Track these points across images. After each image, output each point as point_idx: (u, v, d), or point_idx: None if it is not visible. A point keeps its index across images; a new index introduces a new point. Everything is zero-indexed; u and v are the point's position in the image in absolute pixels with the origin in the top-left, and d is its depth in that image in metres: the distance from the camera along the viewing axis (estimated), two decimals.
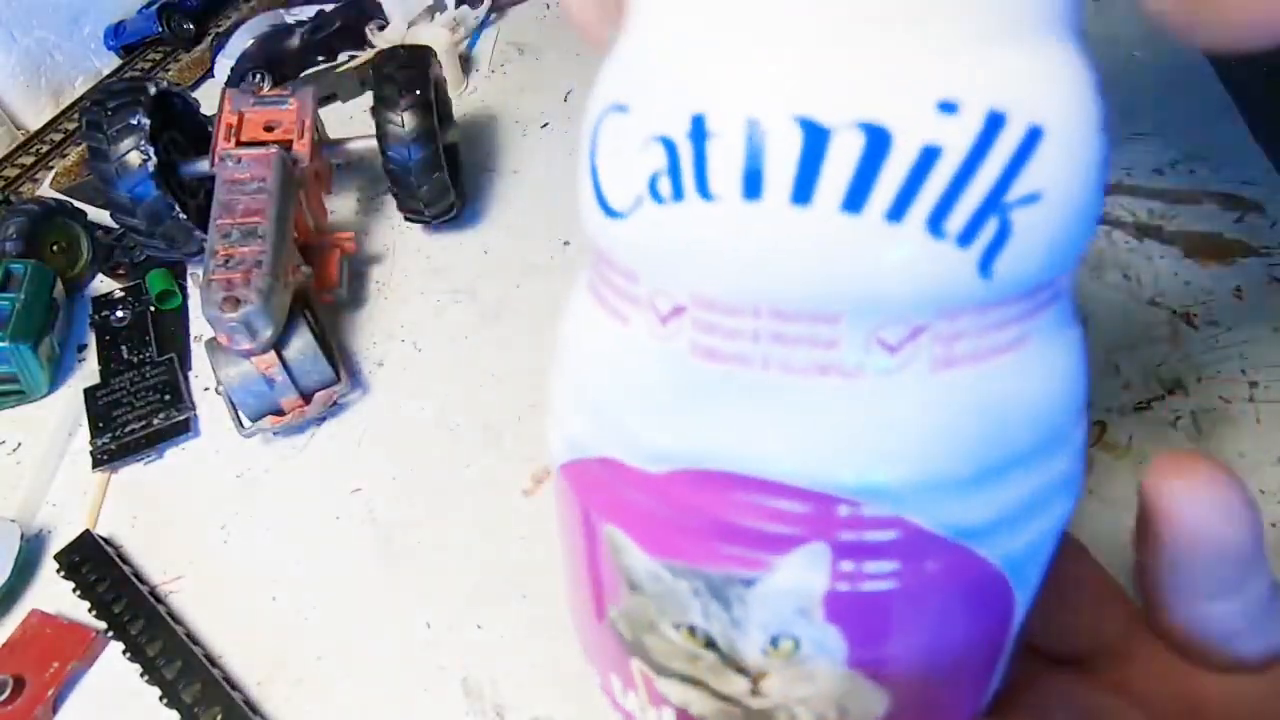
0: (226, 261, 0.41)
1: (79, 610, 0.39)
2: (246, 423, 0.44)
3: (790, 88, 0.11)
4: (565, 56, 0.69)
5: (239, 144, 0.47)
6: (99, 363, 0.51)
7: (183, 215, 0.48)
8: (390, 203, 0.54)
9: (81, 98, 0.76)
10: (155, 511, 0.44)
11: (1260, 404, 0.40)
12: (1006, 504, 0.13)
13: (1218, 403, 0.40)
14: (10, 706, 0.36)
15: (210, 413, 0.48)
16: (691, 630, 0.15)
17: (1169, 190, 0.48)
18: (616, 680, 0.18)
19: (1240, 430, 0.39)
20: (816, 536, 0.13)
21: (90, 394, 0.48)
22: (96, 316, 0.53)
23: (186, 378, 0.50)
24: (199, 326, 0.52)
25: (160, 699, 0.36)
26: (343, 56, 0.70)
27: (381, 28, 0.69)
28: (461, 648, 0.37)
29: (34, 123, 0.74)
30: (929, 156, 0.11)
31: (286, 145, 0.47)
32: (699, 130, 0.11)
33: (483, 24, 0.73)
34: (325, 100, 0.66)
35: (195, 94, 0.60)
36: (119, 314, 0.53)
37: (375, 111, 0.48)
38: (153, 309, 0.53)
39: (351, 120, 0.66)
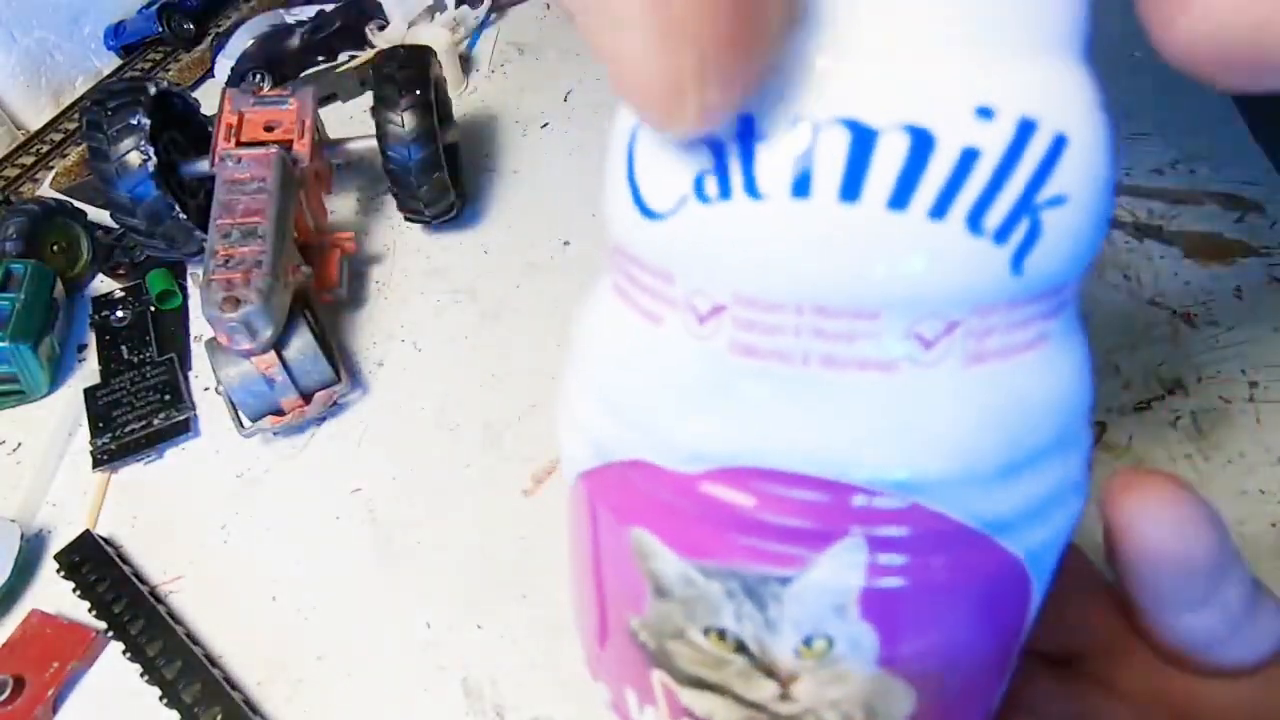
0: (226, 261, 0.41)
1: (79, 610, 0.39)
2: (246, 423, 0.44)
3: (836, 92, 0.11)
4: (565, 56, 0.69)
5: (239, 144, 0.47)
6: (99, 363, 0.51)
7: (183, 215, 0.48)
8: (390, 203, 0.54)
9: (81, 98, 0.76)
10: (155, 511, 0.44)
11: (1260, 404, 0.40)
12: (1030, 498, 0.14)
13: (1218, 403, 0.40)
14: (10, 706, 0.36)
15: (210, 413, 0.48)
16: (721, 634, 0.15)
17: (1169, 190, 0.48)
18: (633, 695, 0.18)
19: (1240, 430, 0.39)
20: (854, 531, 0.13)
21: (90, 394, 0.48)
22: (96, 316, 0.53)
23: (186, 378, 0.50)
24: (199, 326, 0.52)
25: (160, 699, 0.36)
26: (343, 56, 0.70)
27: (381, 28, 0.69)
28: (461, 648, 0.37)
29: (34, 123, 0.74)
30: (969, 158, 0.11)
31: (286, 145, 0.47)
32: (748, 131, 0.11)
33: (483, 24, 0.73)
34: (325, 100, 0.67)
35: (195, 94, 0.60)
36: (119, 314, 0.53)
37: (375, 111, 0.48)
38: (153, 309, 0.53)
39: (351, 120, 0.66)
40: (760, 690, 0.15)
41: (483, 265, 0.53)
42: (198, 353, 0.51)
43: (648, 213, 0.13)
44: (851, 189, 0.11)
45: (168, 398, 0.48)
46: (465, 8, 0.71)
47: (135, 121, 0.46)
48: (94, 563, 0.41)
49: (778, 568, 0.14)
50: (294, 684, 0.37)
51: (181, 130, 0.52)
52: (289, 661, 0.38)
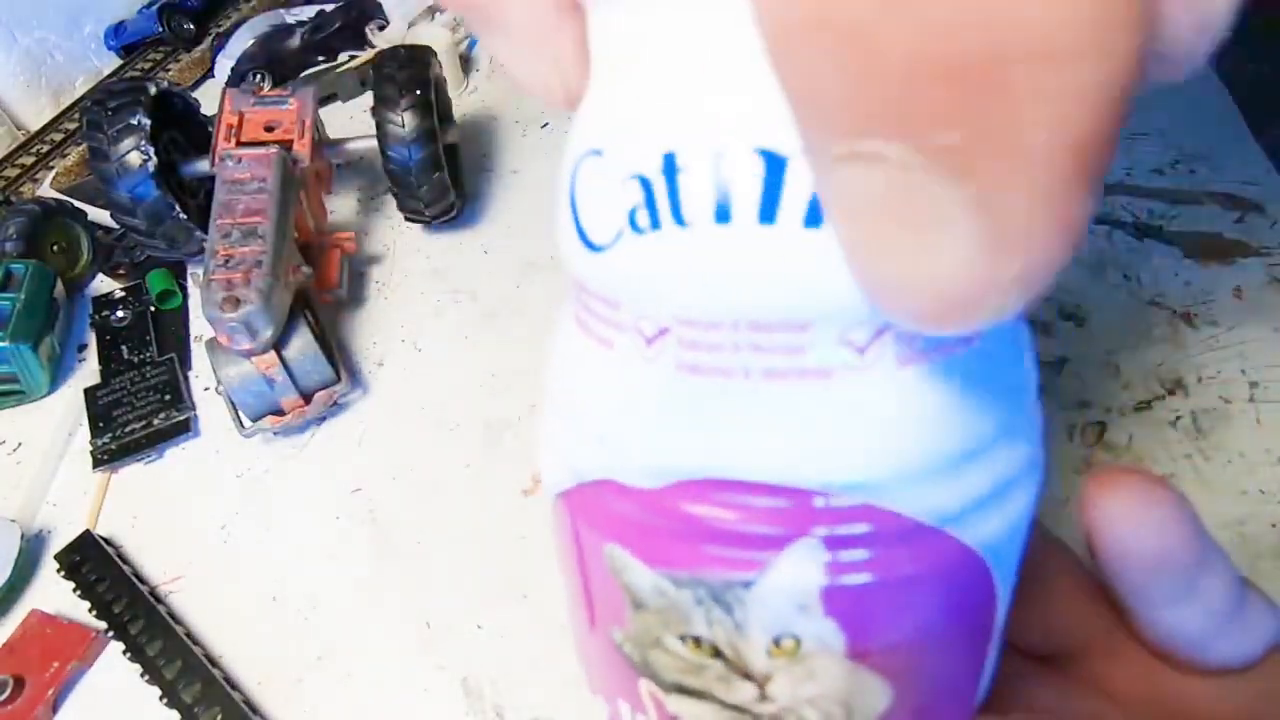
0: (227, 261, 0.41)
1: (79, 610, 0.39)
2: (246, 423, 0.44)
3: (749, 123, 0.12)
4: None
5: (239, 144, 0.47)
6: (99, 363, 0.51)
7: (183, 215, 0.48)
8: (390, 203, 0.54)
9: (82, 98, 0.76)
10: (155, 511, 0.44)
11: (1260, 404, 0.40)
12: (978, 489, 0.14)
13: (1218, 403, 0.40)
14: (10, 706, 0.36)
15: (210, 413, 0.48)
16: (697, 641, 0.15)
17: (1169, 190, 0.48)
18: (625, 706, 0.18)
19: (1240, 430, 0.39)
20: (806, 532, 0.14)
21: (90, 394, 0.48)
22: (97, 316, 0.53)
23: (187, 378, 0.50)
24: (199, 326, 0.52)
25: (160, 699, 0.36)
26: (343, 56, 0.70)
27: (381, 28, 0.69)
28: (461, 648, 0.37)
29: (34, 123, 0.74)
30: None
31: (287, 145, 0.47)
32: (670, 166, 0.12)
33: None
34: (325, 100, 0.67)
35: (195, 94, 0.60)
36: (119, 314, 0.53)
37: (375, 111, 0.48)
38: (153, 309, 0.53)
39: (351, 120, 0.66)
40: (740, 692, 0.16)
41: (483, 265, 0.53)
42: (198, 353, 0.51)
43: (591, 246, 0.14)
44: (768, 212, 0.12)
45: (168, 398, 0.48)
46: None
47: (135, 121, 0.46)
48: (94, 563, 0.41)
49: (740, 572, 0.14)
50: (294, 684, 0.37)
51: (181, 130, 0.52)
52: (289, 661, 0.38)
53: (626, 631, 0.17)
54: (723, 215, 0.12)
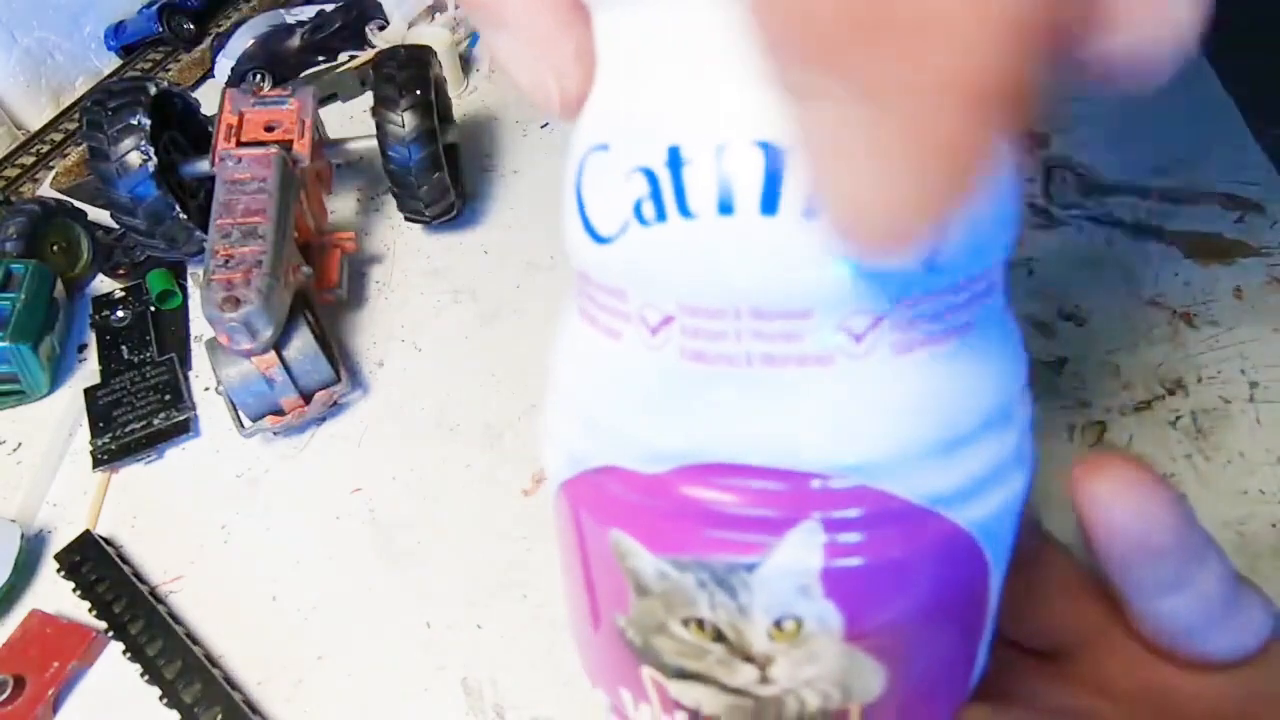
0: (226, 261, 0.41)
1: (79, 610, 0.39)
2: (246, 423, 0.44)
3: (750, 117, 0.12)
4: None
5: (239, 144, 0.47)
6: (99, 363, 0.51)
7: (183, 215, 0.48)
8: (390, 203, 0.54)
9: (82, 98, 0.76)
10: (155, 511, 0.44)
11: (1260, 404, 0.40)
12: (970, 474, 0.15)
13: (1218, 403, 0.40)
14: (10, 706, 0.36)
15: (210, 413, 0.48)
16: (700, 624, 0.16)
17: (1169, 190, 0.48)
18: (627, 694, 0.19)
19: (1240, 430, 0.39)
20: (807, 515, 0.14)
21: (90, 394, 0.48)
22: (97, 316, 0.53)
23: (187, 378, 0.50)
24: (199, 326, 0.52)
25: (160, 699, 0.36)
26: (343, 56, 0.70)
27: (381, 28, 0.69)
28: (461, 648, 0.37)
29: (34, 123, 0.74)
30: None
31: (287, 145, 0.47)
32: (675, 159, 0.13)
33: None
34: (325, 100, 0.66)
35: (195, 94, 0.60)
36: (119, 314, 0.53)
37: (375, 111, 0.48)
38: (153, 309, 0.53)
39: (351, 120, 0.66)
40: (741, 675, 0.16)
41: (483, 265, 0.53)
42: (198, 353, 0.51)
43: (597, 238, 0.14)
44: (770, 203, 0.12)
45: (168, 398, 0.48)
46: None
47: (135, 121, 0.46)
48: (94, 563, 0.41)
49: (743, 555, 0.15)
50: (294, 684, 0.37)
51: (181, 130, 0.52)
52: (289, 661, 0.38)
53: (629, 618, 0.17)
54: (725, 207, 0.12)
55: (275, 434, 0.46)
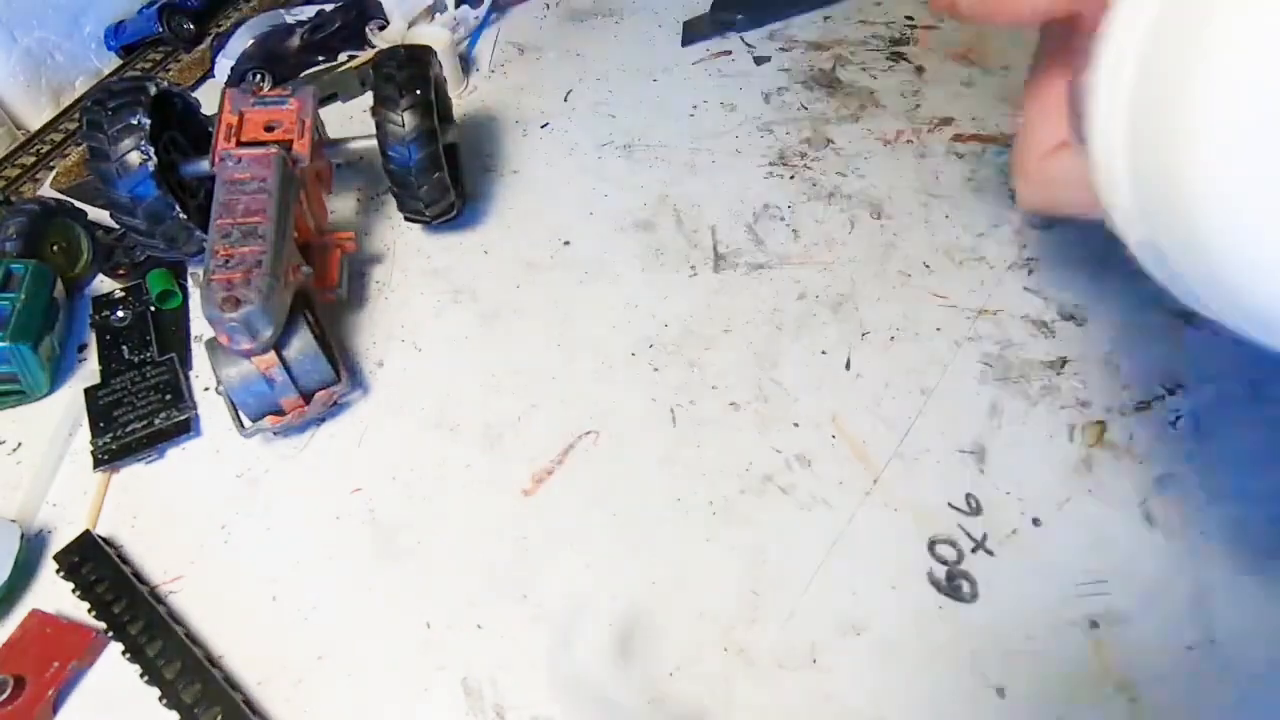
0: (226, 261, 0.41)
1: (79, 610, 0.39)
2: (246, 423, 0.44)
3: None
4: (565, 56, 0.69)
5: (239, 144, 0.47)
6: (99, 362, 0.51)
7: (183, 215, 0.48)
8: (390, 203, 0.54)
9: (81, 98, 0.76)
10: (155, 511, 0.44)
11: (1260, 404, 0.40)
12: None
13: (1218, 403, 0.40)
14: (10, 706, 0.36)
15: (210, 413, 0.48)
16: None
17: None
18: None
19: (1240, 430, 0.39)
20: None
21: (90, 394, 0.48)
22: (97, 316, 0.53)
23: (187, 377, 0.50)
24: (199, 326, 0.52)
25: (160, 699, 0.36)
26: (343, 56, 0.70)
27: (382, 28, 0.69)
28: (461, 648, 0.37)
29: (34, 123, 0.74)
30: None
31: (287, 145, 0.47)
32: None
33: (483, 24, 0.73)
34: (325, 100, 0.67)
35: (195, 94, 0.60)
36: (119, 314, 0.53)
37: (375, 111, 0.48)
38: (153, 309, 0.53)
39: (351, 120, 0.66)
40: None
41: (483, 265, 0.53)
42: (198, 353, 0.51)
43: None
44: None
45: (168, 397, 0.48)
46: (465, 8, 0.71)
47: (135, 121, 0.46)
48: (94, 563, 0.41)
49: None
50: (294, 684, 0.37)
51: (181, 130, 0.52)
52: (289, 661, 0.38)
53: None
54: None
55: (275, 434, 0.46)
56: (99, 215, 0.58)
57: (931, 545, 0.38)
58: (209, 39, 0.78)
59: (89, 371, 0.50)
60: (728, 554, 0.39)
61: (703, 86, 0.64)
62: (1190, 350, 0.42)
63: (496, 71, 0.69)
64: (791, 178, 0.55)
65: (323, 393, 0.44)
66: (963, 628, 0.35)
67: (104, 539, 0.42)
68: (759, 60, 0.65)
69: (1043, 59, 0.28)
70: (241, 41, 0.71)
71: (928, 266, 0.49)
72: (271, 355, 0.42)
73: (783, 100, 0.61)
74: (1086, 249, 0.48)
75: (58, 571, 0.41)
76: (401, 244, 0.56)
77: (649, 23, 0.71)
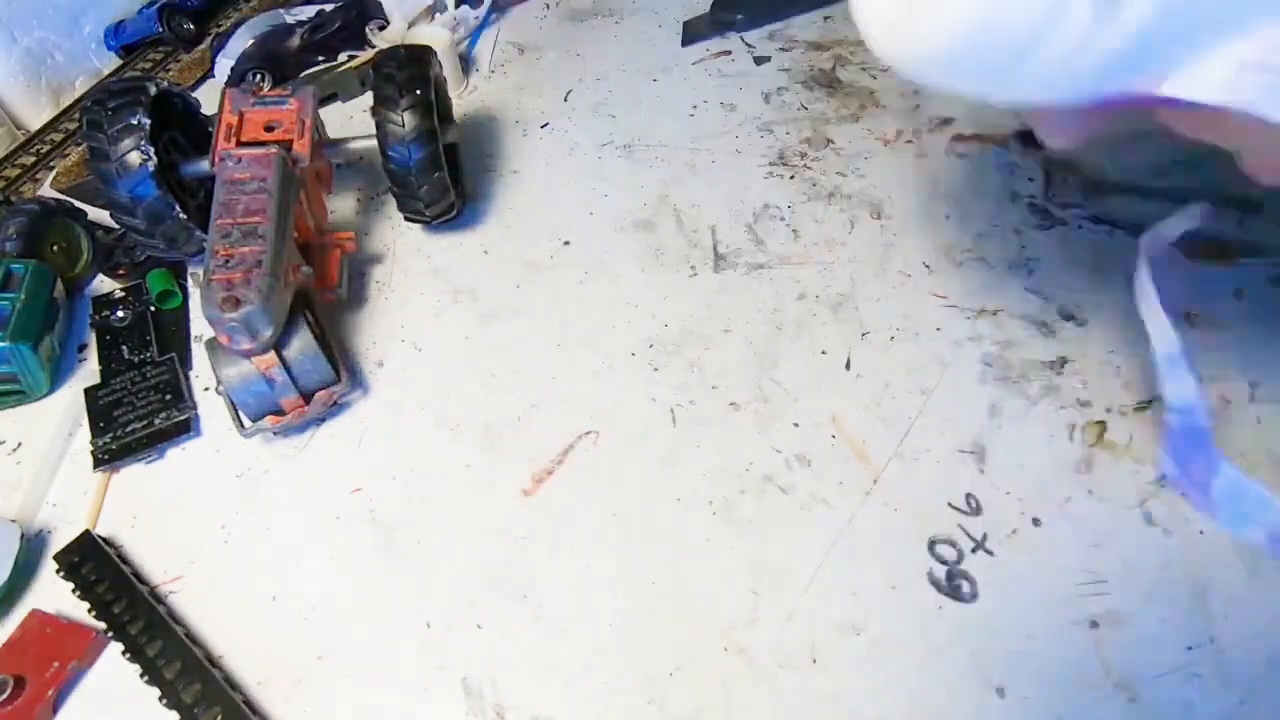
0: (226, 261, 0.41)
1: (79, 610, 0.39)
2: (247, 423, 0.44)
3: None
4: (565, 56, 0.69)
5: (239, 144, 0.47)
6: (99, 363, 0.51)
7: (183, 215, 0.48)
8: (390, 203, 0.54)
9: (81, 98, 0.76)
10: (155, 511, 0.44)
11: (1260, 404, 0.40)
12: None
13: (1218, 403, 0.40)
14: (10, 706, 0.36)
15: (211, 413, 0.48)
16: None
17: (1169, 190, 0.48)
18: None
19: (1240, 430, 0.39)
20: None
21: (91, 394, 0.48)
22: (97, 316, 0.53)
23: (187, 377, 0.50)
24: (199, 326, 0.52)
25: (160, 699, 0.36)
26: (343, 56, 0.70)
27: (382, 28, 0.69)
28: (461, 648, 0.37)
29: (34, 123, 0.74)
30: None
31: (287, 145, 0.47)
32: None
33: (483, 24, 0.73)
34: (325, 100, 0.67)
35: (195, 94, 0.60)
36: (119, 314, 0.53)
37: (375, 111, 0.48)
38: (153, 309, 0.53)
39: (351, 120, 0.66)
40: None
41: (483, 265, 0.53)
42: (198, 353, 0.51)
43: None
44: None
45: (168, 397, 0.48)
46: (465, 8, 0.71)
47: (135, 121, 0.46)
48: (94, 563, 0.41)
49: None
50: (294, 684, 0.37)
51: (181, 130, 0.52)
52: (289, 661, 0.38)
53: None
54: None
55: (275, 434, 0.46)
56: (99, 215, 0.58)
57: (931, 545, 0.38)
58: (209, 39, 0.78)
59: (89, 371, 0.50)
60: (727, 554, 0.39)
61: (703, 86, 0.64)
62: (1190, 350, 0.42)
63: (496, 71, 0.69)
64: (791, 178, 0.55)
65: (323, 393, 0.44)
66: (963, 628, 0.35)
67: (104, 539, 0.42)
68: (759, 60, 0.65)
69: None
70: (241, 41, 0.71)
71: (928, 266, 0.49)
72: (271, 355, 0.42)
73: (783, 100, 0.61)
74: (1086, 249, 0.48)
75: (58, 571, 0.41)
76: (401, 244, 0.56)
77: (649, 23, 0.71)
